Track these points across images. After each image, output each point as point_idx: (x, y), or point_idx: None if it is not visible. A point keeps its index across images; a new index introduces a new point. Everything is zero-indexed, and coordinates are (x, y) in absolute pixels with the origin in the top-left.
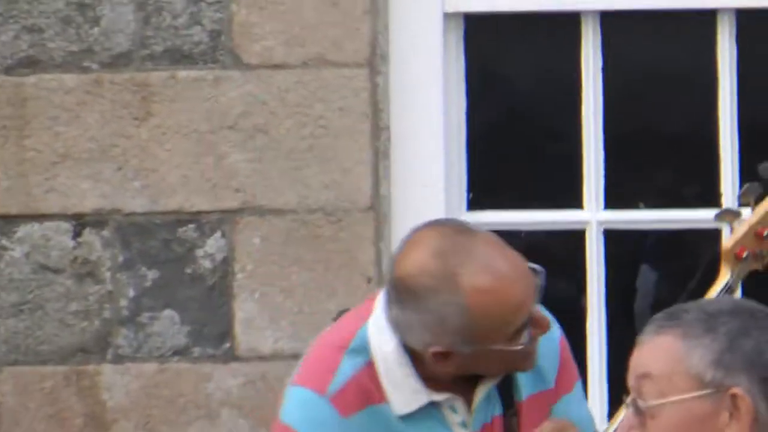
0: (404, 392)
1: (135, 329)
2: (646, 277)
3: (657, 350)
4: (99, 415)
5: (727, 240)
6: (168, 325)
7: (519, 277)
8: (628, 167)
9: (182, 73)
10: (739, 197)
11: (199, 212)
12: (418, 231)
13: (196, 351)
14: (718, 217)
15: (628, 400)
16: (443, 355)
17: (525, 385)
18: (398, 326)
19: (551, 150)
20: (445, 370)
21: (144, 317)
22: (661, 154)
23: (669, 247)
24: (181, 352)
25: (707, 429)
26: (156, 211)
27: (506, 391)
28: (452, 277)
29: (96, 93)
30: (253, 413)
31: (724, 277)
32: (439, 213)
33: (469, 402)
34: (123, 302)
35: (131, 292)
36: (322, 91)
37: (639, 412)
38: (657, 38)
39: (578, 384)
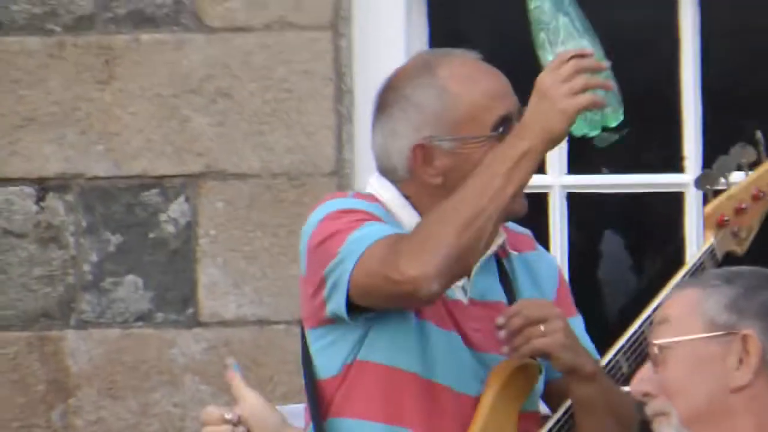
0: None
1: (98, 295)
2: (610, 241)
3: (676, 300)
4: (62, 380)
5: (708, 205)
6: (131, 291)
7: (497, 73)
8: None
9: (145, 37)
10: (697, 182)
11: (162, 176)
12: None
13: (159, 316)
14: (698, 182)
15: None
16: (426, 156)
17: (526, 291)
18: (384, 143)
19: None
20: (434, 181)
21: (107, 283)
22: (626, 118)
23: (632, 211)
24: (144, 318)
25: (716, 371)
26: (119, 175)
27: (509, 292)
28: (431, 67)
29: (59, 56)
30: (216, 379)
31: (708, 241)
32: None
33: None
34: (86, 267)
35: (94, 257)
36: (286, 54)
37: (653, 360)
38: (619, 0)
39: (579, 317)
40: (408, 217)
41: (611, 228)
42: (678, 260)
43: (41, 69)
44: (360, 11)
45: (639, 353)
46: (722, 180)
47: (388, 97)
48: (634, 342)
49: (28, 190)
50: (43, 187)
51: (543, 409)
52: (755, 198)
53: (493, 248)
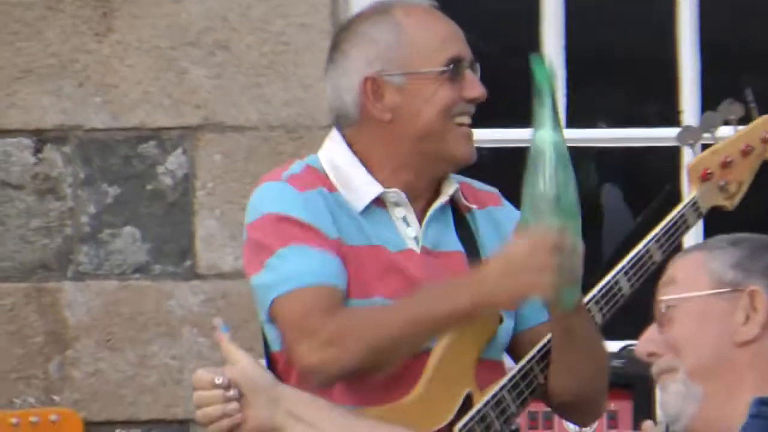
0: (356, 189)
1: (96, 246)
2: (610, 195)
3: (682, 262)
4: (60, 332)
5: (693, 159)
6: (129, 243)
7: (450, 21)
8: (588, 85)
9: None
10: (679, 136)
11: (160, 128)
12: None
13: (157, 268)
14: (679, 137)
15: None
16: (376, 91)
17: (489, 243)
18: (337, 84)
19: (510, 69)
20: (383, 116)
21: (105, 234)
22: (620, 73)
23: (631, 165)
24: (142, 270)
25: (723, 326)
26: (117, 127)
27: (467, 243)
28: (388, 9)
29: (57, 8)
30: (213, 331)
31: (691, 194)
32: None
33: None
34: (84, 219)
35: (92, 209)
36: (283, 7)
37: (660, 320)
38: None
39: None
40: (356, 175)
41: (610, 182)
42: None
43: (39, 21)
44: None
45: (640, 274)
46: (707, 135)
47: (342, 37)
48: (636, 263)
49: (26, 141)
50: (40, 138)
51: (508, 362)
52: (744, 153)
53: (444, 198)
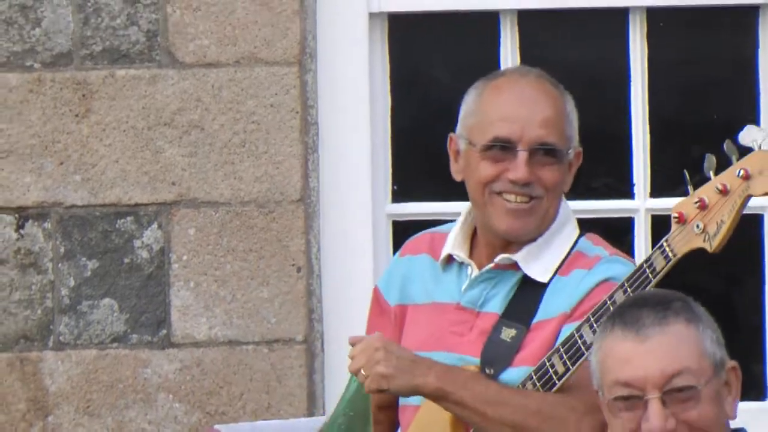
0: (448, 246)
1: (76, 317)
2: None
3: (678, 343)
4: (41, 399)
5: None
6: (107, 313)
7: (532, 100)
8: (439, 168)
9: (120, 72)
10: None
11: (136, 204)
12: None
13: (134, 338)
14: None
15: (646, 395)
16: (453, 150)
17: (543, 309)
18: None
19: None
20: (457, 177)
21: (84, 306)
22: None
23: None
24: (119, 339)
25: (720, 402)
26: (95, 203)
27: (522, 310)
28: (496, 75)
29: (38, 91)
30: (188, 397)
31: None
32: (365, 204)
33: None
34: (64, 291)
35: (72, 282)
36: (254, 88)
37: (677, 400)
38: (571, 36)
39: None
40: (456, 230)
41: None
42: None
43: (21, 103)
44: (325, 48)
45: (573, 354)
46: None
47: None
48: (599, 311)
49: (9, 218)
50: (22, 215)
51: None
52: (722, 192)
53: (490, 264)
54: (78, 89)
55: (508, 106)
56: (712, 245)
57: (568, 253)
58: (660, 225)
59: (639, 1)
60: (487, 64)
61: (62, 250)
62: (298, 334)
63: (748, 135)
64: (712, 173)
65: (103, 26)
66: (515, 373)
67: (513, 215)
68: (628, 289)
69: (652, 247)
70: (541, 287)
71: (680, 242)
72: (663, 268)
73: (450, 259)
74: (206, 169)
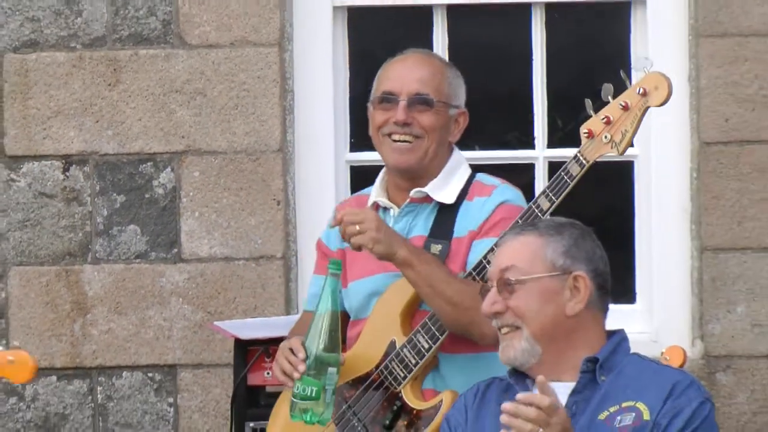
0: (371, 197)
1: (108, 239)
2: None
3: (520, 246)
4: (82, 301)
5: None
6: (132, 236)
7: (413, 64)
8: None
9: (142, 51)
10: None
11: (155, 153)
12: None
13: (153, 255)
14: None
15: (490, 283)
16: (370, 113)
17: (459, 226)
18: None
19: None
20: (371, 134)
21: (114, 230)
22: (492, 110)
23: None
24: (141, 256)
25: (556, 301)
26: (123, 152)
27: (436, 228)
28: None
29: (80, 66)
30: (194, 300)
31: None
32: (329, 153)
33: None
34: (99, 219)
35: (105, 212)
36: (245, 64)
37: (505, 287)
38: (488, 25)
39: (490, 240)
40: (376, 185)
41: None
42: None
43: (66, 75)
44: (299, 33)
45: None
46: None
47: None
48: (525, 215)
49: (57, 163)
50: (67, 161)
51: None
52: (624, 108)
53: (407, 200)
54: (110, 65)
55: (394, 71)
56: (619, 149)
57: (469, 183)
58: (555, 170)
59: None
60: (420, 46)
61: (98, 187)
62: (278, 252)
63: (639, 63)
64: (610, 97)
65: (130, 16)
66: None
67: (398, 151)
68: (550, 194)
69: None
70: (452, 211)
71: (591, 151)
72: (578, 174)
73: (375, 207)
74: (207, 126)
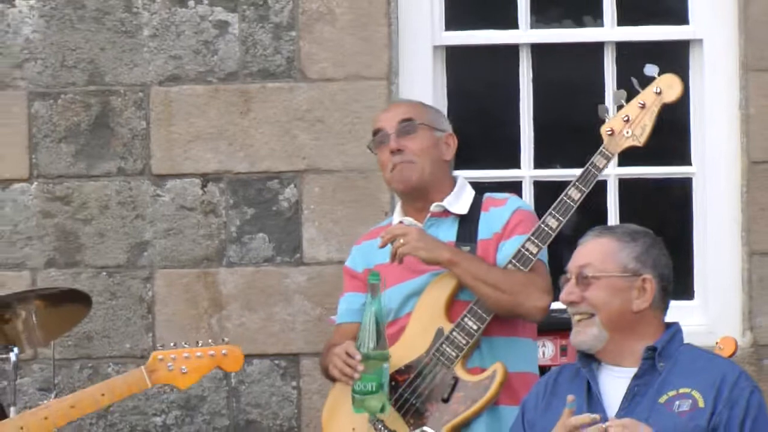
0: (394, 221)
1: (240, 246)
2: None
3: (598, 247)
4: (217, 300)
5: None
6: (261, 243)
7: (400, 104)
8: (469, 149)
9: (269, 85)
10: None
11: (280, 172)
12: None
13: (278, 259)
14: (600, 110)
15: (569, 275)
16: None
17: (480, 231)
18: None
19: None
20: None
21: (245, 238)
22: (485, 140)
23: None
24: (269, 260)
25: (624, 297)
26: (253, 171)
27: (467, 235)
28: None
29: (215, 97)
30: (313, 298)
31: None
32: None
33: None
34: (232, 228)
35: (237, 222)
36: (358, 95)
37: (581, 281)
38: (482, 67)
39: (519, 237)
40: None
41: None
42: None
43: (204, 105)
44: (404, 68)
45: (563, 211)
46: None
47: None
48: (559, 204)
49: (196, 180)
50: (205, 178)
51: None
52: (641, 107)
53: (428, 215)
54: (241, 96)
55: (381, 115)
56: (640, 141)
57: (478, 200)
58: (540, 189)
59: (526, 39)
60: (508, 81)
61: (231, 201)
62: None
63: (650, 69)
64: (623, 101)
65: (258, 54)
66: None
67: (398, 175)
68: (579, 185)
69: (536, 204)
70: (472, 221)
71: (614, 145)
72: (604, 166)
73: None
74: (325, 148)
